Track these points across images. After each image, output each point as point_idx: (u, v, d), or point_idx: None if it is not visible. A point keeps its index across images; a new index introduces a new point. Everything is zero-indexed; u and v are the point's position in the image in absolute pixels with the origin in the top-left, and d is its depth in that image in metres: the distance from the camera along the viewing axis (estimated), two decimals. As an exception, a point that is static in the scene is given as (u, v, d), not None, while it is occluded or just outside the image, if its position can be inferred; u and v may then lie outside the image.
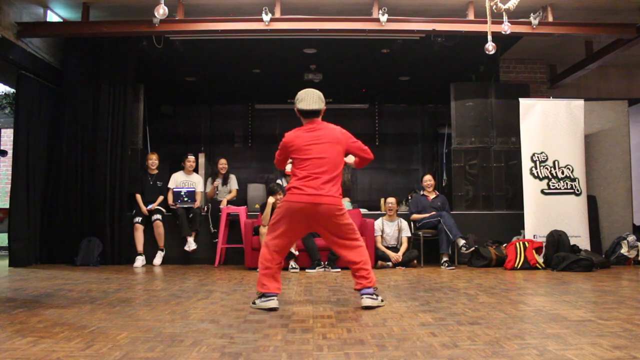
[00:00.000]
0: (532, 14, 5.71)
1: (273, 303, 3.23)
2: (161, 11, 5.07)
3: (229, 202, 6.53)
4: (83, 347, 2.31)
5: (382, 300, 3.40)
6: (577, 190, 6.23)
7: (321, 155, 3.30)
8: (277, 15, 5.68)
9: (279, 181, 6.58)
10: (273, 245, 3.31)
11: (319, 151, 3.30)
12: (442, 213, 6.06)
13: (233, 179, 6.88)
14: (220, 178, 6.79)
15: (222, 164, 6.82)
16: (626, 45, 6.09)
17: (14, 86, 6.37)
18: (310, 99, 3.37)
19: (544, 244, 5.82)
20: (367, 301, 3.30)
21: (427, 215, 6.17)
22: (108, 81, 6.45)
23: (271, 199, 5.69)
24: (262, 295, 3.27)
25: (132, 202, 6.32)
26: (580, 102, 6.40)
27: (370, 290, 3.32)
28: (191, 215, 6.24)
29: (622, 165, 6.72)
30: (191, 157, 6.66)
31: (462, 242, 5.81)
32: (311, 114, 3.39)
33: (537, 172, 6.24)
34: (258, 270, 3.39)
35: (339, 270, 5.54)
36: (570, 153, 6.28)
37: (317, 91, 3.42)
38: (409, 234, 6.08)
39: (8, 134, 8.59)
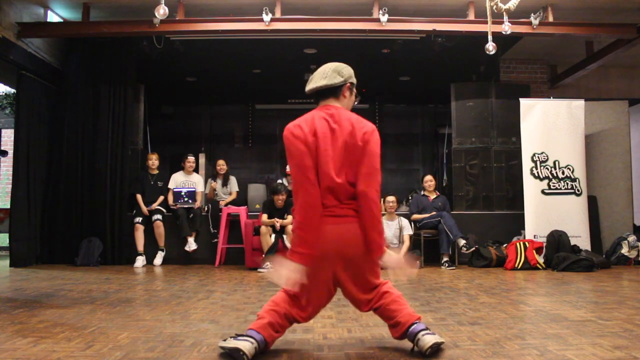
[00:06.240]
0: (532, 14, 5.71)
1: (243, 344, 2.08)
2: (161, 11, 5.09)
3: (229, 203, 6.53)
4: (83, 347, 2.31)
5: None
6: (578, 191, 6.22)
7: (340, 154, 2.16)
8: (278, 15, 5.67)
9: (280, 181, 6.57)
10: (300, 317, 2.23)
11: (338, 148, 2.16)
12: (442, 213, 6.05)
13: (233, 181, 6.87)
14: (220, 179, 6.78)
15: (220, 165, 6.82)
16: (627, 45, 6.09)
17: (14, 86, 6.38)
18: (321, 74, 2.31)
19: (544, 244, 5.82)
20: (428, 338, 2.15)
21: (427, 215, 6.17)
22: (108, 81, 6.46)
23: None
24: (240, 335, 2.18)
25: (132, 202, 6.32)
26: (580, 102, 6.40)
27: (423, 325, 2.21)
28: (191, 215, 6.24)
29: (622, 165, 6.72)
30: (191, 158, 6.66)
31: (462, 242, 5.81)
32: (318, 97, 2.32)
33: (537, 172, 6.24)
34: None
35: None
36: (571, 153, 6.28)
37: (335, 63, 2.35)
38: (411, 232, 6.06)
39: (8, 134, 8.60)
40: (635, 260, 5.99)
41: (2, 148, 8.43)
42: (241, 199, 7.02)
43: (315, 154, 2.14)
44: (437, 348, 2.18)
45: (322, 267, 2.17)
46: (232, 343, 2.12)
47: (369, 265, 2.22)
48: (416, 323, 2.20)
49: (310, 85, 2.32)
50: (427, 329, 2.21)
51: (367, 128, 2.21)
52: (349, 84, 2.31)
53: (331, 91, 2.29)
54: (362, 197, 2.14)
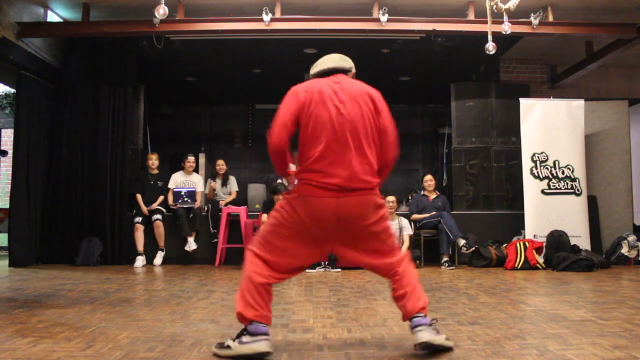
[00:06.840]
0: (532, 14, 5.70)
1: (264, 345, 2.10)
2: (161, 11, 5.09)
3: (229, 203, 6.53)
4: (83, 347, 2.31)
5: (447, 339, 2.23)
6: (578, 190, 6.22)
7: (349, 118, 2.20)
8: (278, 15, 5.67)
9: (280, 181, 6.56)
10: (268, 263, 2.29)
11: (347, 110, 2.21)
12: (442, 213, 6.05)
13: (233, 181, 6.87)
14: (219, 179, 6.78)
15: (220, 164, 6.82)
16: (626, 45, 6.09)
17: (14, 86, 6.37)
18: (328, 59, 2.42)
19: (544, 244, 5.82)
20: (424, 335, 2.13)
21: (427, 215, 6.17)
22: (108, 81, 6.46)
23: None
24: (245, 332, 2.15)
25: (132, 202, 6.32)
26: (580, 102, 6.40)
27: (426, 320, 2.19)
28: (191, 215, 6.24)
29: (622, 165, 6.72)
30: (191, 158, 6.67)
31: (462, 242, 5.80)
32: (331, 74, 2.38)
33: (537, 172, 6.24)
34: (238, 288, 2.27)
35: (339, 270, 5.53)
36: (571, 153, 6.28)
37: (339, 54, 2.51)
38: (411, 232, 6.05)
39: (8, 134, 8.60)
40: (635, 260, 5.98)
41: (2, 148, 8.43)
42: (241, 199, 7.02)
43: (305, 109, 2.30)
44: (430, 348, 2.14)
45: (320, 226, 2.20)
46: (255, 347, 2.10)
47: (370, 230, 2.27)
48: (419, 315, 2.19)
49: (317, 69, 2.43)
50: (431, 324, 2.19)
51: (377, 96, 2.37)
52: (353, 72, 2.50)
53: (339, 73, 2.40)
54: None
